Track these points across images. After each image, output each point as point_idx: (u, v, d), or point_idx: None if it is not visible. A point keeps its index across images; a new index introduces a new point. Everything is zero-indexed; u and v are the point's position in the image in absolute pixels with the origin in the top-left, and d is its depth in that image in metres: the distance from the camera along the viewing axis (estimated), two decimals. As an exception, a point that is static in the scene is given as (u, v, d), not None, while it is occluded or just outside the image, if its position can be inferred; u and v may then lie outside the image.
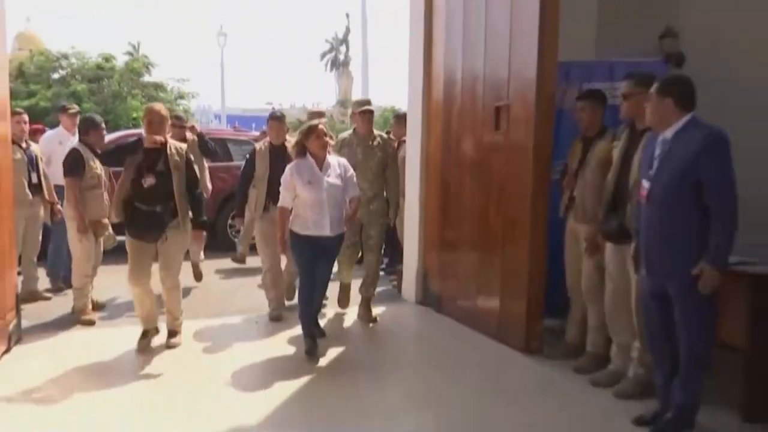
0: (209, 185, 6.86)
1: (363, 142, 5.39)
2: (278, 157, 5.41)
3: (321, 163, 4.70)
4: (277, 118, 5.81)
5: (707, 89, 3.43)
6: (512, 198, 4.85)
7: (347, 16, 47.00)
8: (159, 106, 4.88)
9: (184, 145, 5.02)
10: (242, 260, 7.78)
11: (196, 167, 5.02)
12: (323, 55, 46.28)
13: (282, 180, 4.73)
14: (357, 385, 4.21)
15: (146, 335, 4.82)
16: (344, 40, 44.97)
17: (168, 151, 4.70)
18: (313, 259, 4.73)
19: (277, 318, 5.57)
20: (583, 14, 5.72)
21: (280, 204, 4.74)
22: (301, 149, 4.71)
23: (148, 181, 4.56)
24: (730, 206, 3.24)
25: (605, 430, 3.60)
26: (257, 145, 5.79)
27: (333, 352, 4.72)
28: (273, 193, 5.16)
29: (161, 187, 4.61)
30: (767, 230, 3.53)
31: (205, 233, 5.04)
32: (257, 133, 9.28)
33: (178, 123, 6.21)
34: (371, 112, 5.49)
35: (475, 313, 5.33)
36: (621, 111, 4.01)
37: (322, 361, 4.56)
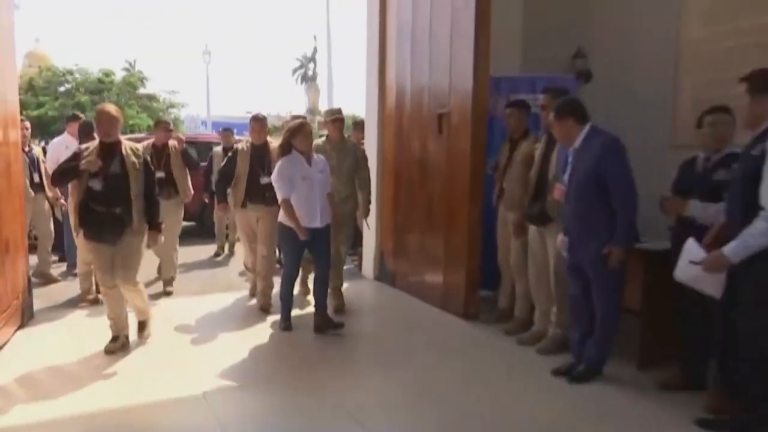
0: (191, 190, 5.85)
1: (336, 147, 5.04)
2: (258, 156, 5.01)
3: (309, 159, 4.37)
4: (259, 120, 5.27)
5: (609, 101, 3.52)
6: (453, 190, 4.88)
7: (314, 38, 46.76)
8: (109, 107, 4.01)
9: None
10: (220, 252, 7.53)
11: (180, 170, 5.12)
12: (294, 71, 45.66)
13: (279, 174, 4.28)
14: (325, 345, 4.20)
15: (115, 341, 4.04)
16: (312, 58, 44.46)
17: (123, 152, 3.90)
18: (303, 251, 4.46)
19: (265, 307, 5.00)
20: (510, 36, 5.76)
21: (282, 197, 4.28)
22: (288, 148, 4.32)
23: (96, 184, 3.80)
24: (629, 197, 3.31)
25: (528, 378, 3.64)
26: (239, 145, 5.22)
27: (304, 320, 4.70)
28: (251, 191, 4.93)
29: (117, 189, 3.83)
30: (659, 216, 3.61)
31: (161, 235, 4.18)
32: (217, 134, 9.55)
33: (167, 128, 5.73)
34: (342, 120, 5.19)
35: (422, 286, 5.35)
36: (542, 119, 4.05)
37: (298, 330, 4.53)
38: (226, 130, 7.75)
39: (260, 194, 4.92)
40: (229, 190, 5.21)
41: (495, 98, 5.14)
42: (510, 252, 4.50)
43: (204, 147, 8.96)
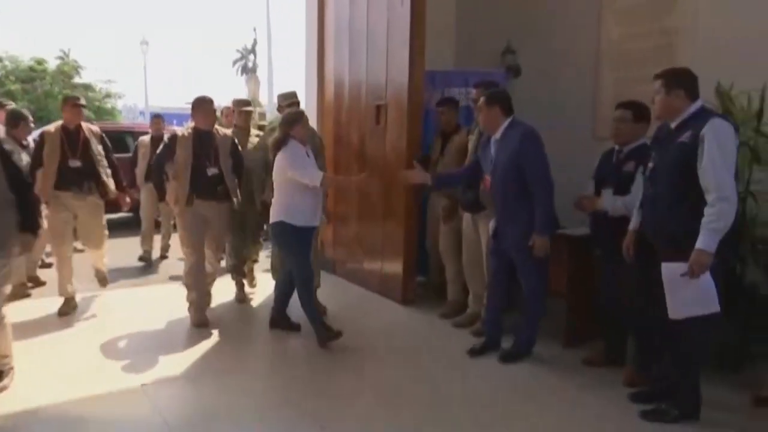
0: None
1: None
2: (205, 144, 4.13)
3: (308, 151, 3.91)
4: (208, 101, 4.21)
5: (537, 94, 3.58)
6: (392, 180, 4.87)
7: (254, 29, 45.62)
8: None
9: (51, 128, 4.23)
10: (147, 259, 6.37)
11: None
12: (234, 62, 44.58)
13: (297, 161, 3.72)
14: (270, 336, 4.12)
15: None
16: (252, 50, 43.49)
17: None
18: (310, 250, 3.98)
19: (202, 323, 4.18)
20: (444, 32, 5.80)
21: (318, 180, 3.71)
22: (286, 139, 3.80)
23: None
24: (546, 187, 3.40)
25: (463, 359, 3.69)
26: (179, 131, 4.27)
27: (250, 311, 4.60)
28: (197, 185, 4.10)
29: None
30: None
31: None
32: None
33: (74, 103, 4.50)
34: (298, 104, 4.57)
35: (361, 273, 5.34)
36: (475, 112, 4.08)
37: (243, 321, 4.42)
38: (156, 117, 6.78)
39: (210, 188, 4.17)
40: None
41: (430, 92, 5.16)
42: (439, 237, 4.53)
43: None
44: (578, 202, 3.48)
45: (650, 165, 2.89)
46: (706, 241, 2.60)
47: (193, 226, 4.16)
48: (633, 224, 3.13)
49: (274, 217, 3.84)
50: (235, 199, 4.31)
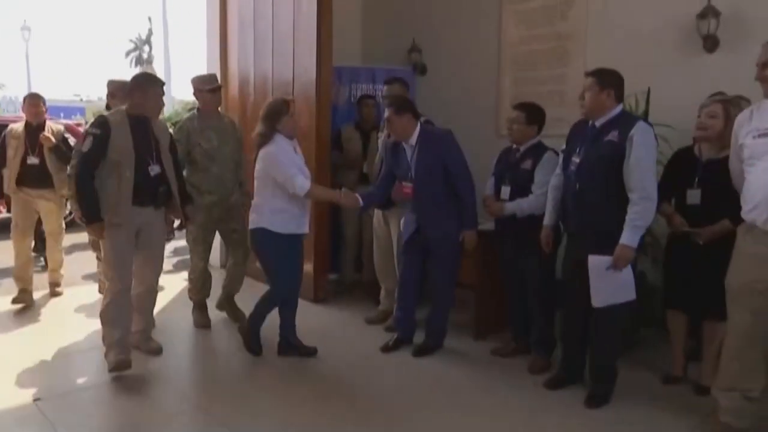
0: None
1: (213, 126, 3.98)
2: (143, 134, 3.30)
3: (296, 147, 3.48)
4: (157, 81, 3.44)
5: (443, 93, 3.65)
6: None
7: (149, 19, 43.26)
8: None
9: None
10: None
11: None
12: (128, 53, 42.20)
13: (283, 161, 3.32)
14: (175, 343, 3.89)
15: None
16: (147, 41, 41.34)
17: None
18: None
19: (125, 365, 3.28)
20: (351, 28, 5.80)
21: (305, 186, 3.34)
22: (271, 133, 3.33)
23: None
24: (471, 184, 3.51)
25: (375, 355, 3.71)
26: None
27: (171, 320, 4.34)
28: (138, 189, 3.25)
29: None
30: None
31: None
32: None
33: None
34: (220, 88, 4.13)
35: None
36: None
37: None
38: (34, 97, 4.75)
39: (152, 192, 3.35)
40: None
41: (337, 87, 5.13)
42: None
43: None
44: (486, 207, 3.58)
45: (575, 160, 2.99)
46: (630, 236, 2.78)
47: (127, 244, 3.29)
48: (548, 219, 3.25)
49: (254, 223, 3.42)
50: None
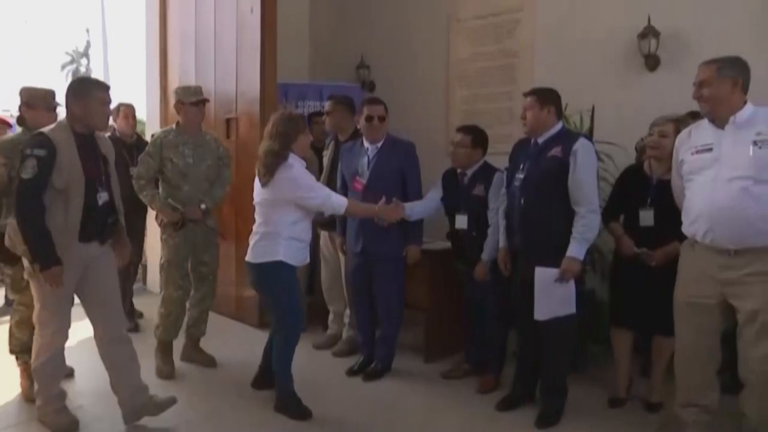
0: None
1: (192, 142, 3.74)
2: (90, 154, 2.91)
3: (311, 170, 3.29)
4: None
5: (390, 110, 3.69)
6: (243, 198, 4.70)
7: (87, 31, 42.23)
8: None
9: None
10: None
11: None
12: (63, 66, 41.08)
13: (309, 180, 3.08)
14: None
15: None
16: (85, 53, 40.38)
17: None
18: None
19: (72, 426, 2.98)
20: (297, 43, 5.81)
21: (342, 206, 3.15)
22: (285, 153, 3.02)
23: None
24: (420, 196, 3.58)
25: (327, 379, 3.69)
26: (47, 129, 3.52)
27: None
28: (87, 220, 2.82)
29: None
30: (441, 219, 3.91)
31: None
32: None
33: None
34: (205, 102, 3.85)
35: (216, 299, 5.10)
36: (326, 124, 4.13)
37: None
38: None
39: (100, 223, 2.92)
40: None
41: (283, 104, 5.10)
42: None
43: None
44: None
45: (519, 176, 3.08)
46: (577, 249, 2.90)
47: (69, 287, 2.85)
48: (503, 242, 3.31)
49: (266, 254, 3.06)
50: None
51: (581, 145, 2.93)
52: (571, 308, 2.99)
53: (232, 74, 4.81)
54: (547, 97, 3.05)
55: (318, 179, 4.18)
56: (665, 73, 4.02)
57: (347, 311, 4.13)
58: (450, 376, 3.71)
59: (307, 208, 3.07)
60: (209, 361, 3.92)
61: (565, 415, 3.13)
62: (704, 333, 2.65)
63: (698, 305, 2.62)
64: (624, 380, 3.32)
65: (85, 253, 2.85)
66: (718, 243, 2.52)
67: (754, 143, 2.44)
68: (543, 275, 2.96)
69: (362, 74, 5.69)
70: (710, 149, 2.56)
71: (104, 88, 2.91)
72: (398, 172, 3.57)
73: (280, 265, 3.04)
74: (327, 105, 4.07)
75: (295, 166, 3.03)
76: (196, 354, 3.95)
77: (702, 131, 2.65)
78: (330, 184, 3.80)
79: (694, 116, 3.51)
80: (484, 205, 3.45)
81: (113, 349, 2.99)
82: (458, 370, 3.74)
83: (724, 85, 2.52)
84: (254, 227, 3.17)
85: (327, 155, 4.12)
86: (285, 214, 3.05)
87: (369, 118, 3.61)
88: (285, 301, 3.13)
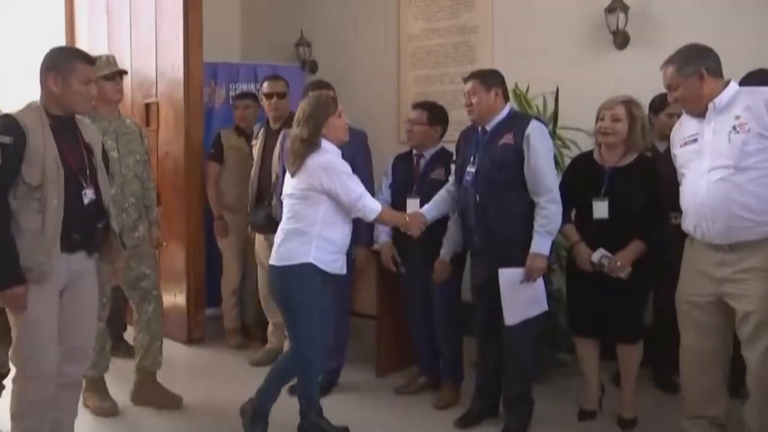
0: None
1: (115, 129, 3.40)
2: (71, 142, 2.65)
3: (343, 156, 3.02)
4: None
5: (338, 93, 3.63)
6: (167, 193, 4.60)
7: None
8: None
9: None
10: None
11: None
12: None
13: (343, 172, 2.89)
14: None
15: None
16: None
17: None
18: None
19: None
20: (227, 20, 5.71)
21: (375, 211, 2.94)
22: (316, 140, 2.88)
23: None
24: (372, 191, 3.48)
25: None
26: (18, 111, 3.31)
27: None
28: (69, 224, 2.53)
29: None
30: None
31: None
32: None
33: None
34: (123, 74, 3.51)
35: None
36: (268, 109, 4.03)
37: None
38: None
39: (87, 228, 2.65)
40: None
41: (212, 87, 5.07)
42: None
43: None
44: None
45: (470, 170, 3.06)
46: (541, 244, 2.91)
47: (50, 309, 2.53)
48: (447, 250, 3.32)
49: (294, 256, 2.87)
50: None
51: (534, 129, 2.95)
52: (542, 306, 3.01)
53: (151, 52, 4.66)
54: (491, 80, 3.05)
55: (248, 171, 4.13)
56: (635, 51, 4.08)
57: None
58: (404, 391, 3.69)
59: (340, 204, 2.88)
60: (173, 402, 3.55)
61: (532, 429, 3.15)
62: (708, 335, 2.71)
63: (698, 305, 2.69)
64: (593, 391, 3.33)
65: (67, 266, 2.54)
66: (708, 239, 2.59)
67: (733, 128, 2.50)
68: (507, 277, 2.96)
69: (302, 53, 5.59)
70: (695, 140, 2.63)
71: (88, 60, 2.64)
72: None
73: (308, 268, 2.84)
74: (266, 86, 3.99)
75: (331, 153, 2.91)
76: (154, 393, 3.55)
77: (690, 121, 2.72)
78: (261, 177, 3.73)
79: (664, 99, 3.62)
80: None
81: (59, 393, 2.64)
82: (413, 384, 3.73)
83: (690, 83, 2.59)
84: (281, 225, 3.01)
85: (257, 144, 4.04)
86: (318, 209, 2.88)
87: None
88: (306, 312, 2.88)
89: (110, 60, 3.48)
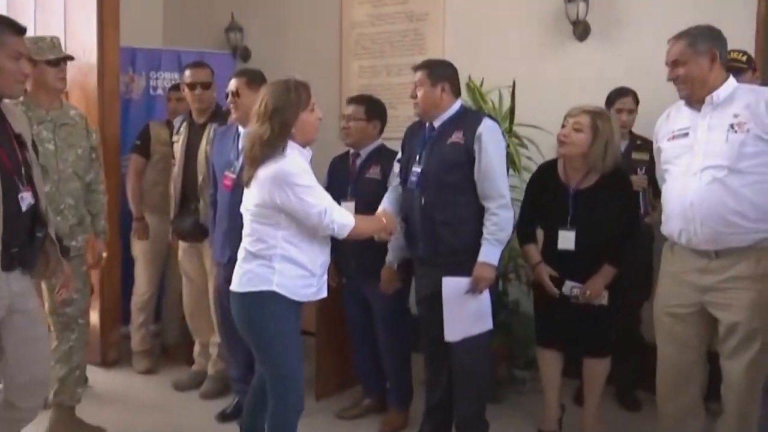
0: None
1: (56, 119, 3.21)
2: None
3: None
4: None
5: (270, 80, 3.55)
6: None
7: None
8: None
9: None
10: None
11: None
12: None
13: (307, 181, 2.51)
14: None
15: None
16: None
17: None
18: None
19: None
20: (148, 1, 5.54)
21: (347, 226, 2.57)
22: (283, 137, 2.51)
23: None
24: None
25: (194, 428, 3.57)
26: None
27: None
28: (9, 238, 2.35)
29: None
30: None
31: None
32: None
33: None
34: (68, 60, 3.29)
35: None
36: (197, 99, 3.86)
37: None
38: None
39: (27, 241, 2.43)
40: None
41: (130, 75, 4.95)
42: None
43: None
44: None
45: (416, 170, 3.02)
46: (490, 252, 2.86)
47: None
48: (394, 256, 3.25)
49: (248, 283, 2.58)
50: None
51: (486, 128, 2.91)
52: (486, 324, 2.97)
53: (59, 30, 4.43)
54: (439, 72, 3.01)
55: (168, 172, 3.98)
56: (596, 42, 4.09)
57: (214, 339, 3.96)
58: (346, 415, 3.66)
59: (301, 223, 2.54)
60: None
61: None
62: (688, 348, 2.71)
63: (679, 316, 2.69)
64: (553, 410, 3.30)
65: (7, 288, 2.28)
66: (694, 244, 2.57)
67: (731, 127, 2.50)
68: (452, 286, 2.91)
69: (233, 39, 5.47)
70: (686, 134, 2.62)
71: (18, 30, 2.34)
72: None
73: (271, 297, 2.53)
74: (188, 74, 3.84)
75: (290, 157, 2.50)
76: (75, 430, 3.36)
77: (680, 113, 2.71)
78: (186, 178, 3.59)
79: (622, 94, 3.65)
80: (379, 190, 3.30)
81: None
82: (357, 407, 3.69)
83: (701, 62, 2.56)
84: (242, 244, 2.69)
85: (179, 141, 3.90)
86: (278, 228, 2.54)
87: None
88: (277, 353, 2.58)
89: (55, 43, 3.24)
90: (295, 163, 2.50)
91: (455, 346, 2.96)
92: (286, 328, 2.57)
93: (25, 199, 2.34)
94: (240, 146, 3.44)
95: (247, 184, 2.59)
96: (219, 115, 3.77)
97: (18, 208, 2.30)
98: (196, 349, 4.14)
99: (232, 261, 3.39)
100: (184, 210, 3.80)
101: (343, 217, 2.56)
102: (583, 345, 3.16)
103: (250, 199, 2.59)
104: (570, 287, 3.01)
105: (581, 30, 4.10)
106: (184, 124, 3.90)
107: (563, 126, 3.07)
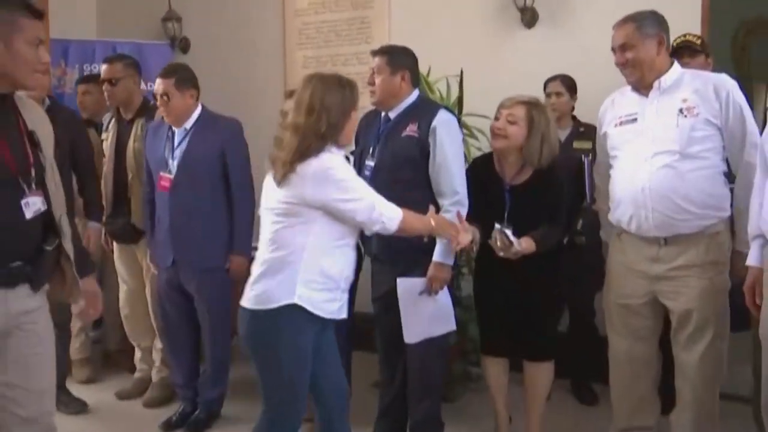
0: None
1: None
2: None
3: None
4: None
5: (213, 77, 3.53)
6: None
7: None
8: None
9: None
10: None
11: None
12: None
13: (351, 176, 2.43)
14: None
15: None
16: None
17: None
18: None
19: None
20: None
21: (395, 219, 2.45)
22: (332, 137, 2.37)
23: None
24: (246, 194, 3.44)
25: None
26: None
27: None
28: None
29: None
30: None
31: None
32: None
33: None
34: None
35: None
36: (107, 96, 3.80)
37: None
38: None
39: (28, 252, 2.15)
40: None
41: (62, 68, 4.92)
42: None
43: None
44: None
45: (369, 164, 3.02)
46: (444, 252, 2.85)
47: None
48: None
49: (266, 298, 2.36)
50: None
51: (441, 121, 2.91)
52: (448, 325, 2.97)
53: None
54: (400, 59, 3.00)
55: (95, 170, 3.89)
56: (544, 30, 4.17)
57: (157, 344, 3.93)
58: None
59: (345, 222, 2.41)
60: None
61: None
62: (640, 339, 2.78)
63: (632, 308, 2.74)
64: (503, 417, 3.25)
65: (5, 307, 2.04)
66: (644, 231, 2.63)
67: (680, 111, 2.57)
68: (406, 287, 2.91)
69: (171, 29, 5.38)
70: (635, 119, 2.69)
71: (36, 14, 2.10)
72: (217, 160, 3.40)
73: (292, 311, 2.34)
74: (104, 69, 3.77)
75: (329, 153, 2.37)
76: None
77: (625, 99, 2.78)
78: (117, 177, 3.58)
79: (551, 79, 3.70)
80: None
81: None
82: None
83: (648, 46, 2.64)
84: (257, 254, 2.51)
85: (108, 138, 3.85)
86: (309, 230, 2.37)
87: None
88: (286, 371, 2.38)
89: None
90: (335, 158, 2.40)
91: (412, 346, 2.97)
92: (296, 347, 2.37)
93: (31, 204, 2.09)
94: (175, 144, 3.45)
95: (280, 181, 2.37)
96: (147, 109, 3.70)
97: (19, 215, 2.06)
98: (137, 355, 4.10)
99: (175, 264, 3.44)
100: (116, 210, 3.76)
101: (390, 211, 2.46)
102: (524, 349, 3.07)
103: (282, 198, 2.39)
104: (498, 228, 2.78)
105: (529, 17, 4.18)
106: (113, 121, 3.86)
107: (496, 118, 2.97)
